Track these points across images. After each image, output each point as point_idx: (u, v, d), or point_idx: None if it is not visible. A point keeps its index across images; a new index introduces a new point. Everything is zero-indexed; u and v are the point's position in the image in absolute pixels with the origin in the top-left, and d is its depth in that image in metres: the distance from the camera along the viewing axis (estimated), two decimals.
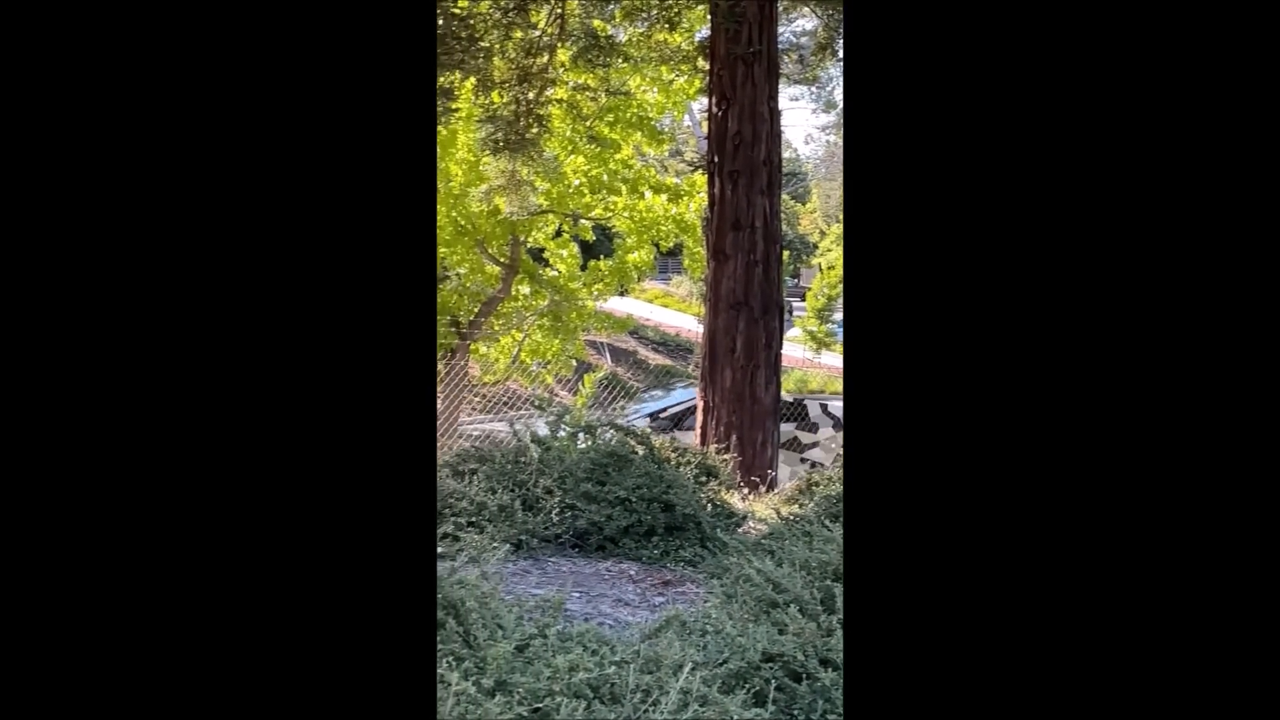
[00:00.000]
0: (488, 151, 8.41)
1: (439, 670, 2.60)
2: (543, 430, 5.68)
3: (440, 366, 10.33)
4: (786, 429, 9.89)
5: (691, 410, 10.78)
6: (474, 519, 4.82)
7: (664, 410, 10.47)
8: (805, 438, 10.50)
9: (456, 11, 6.97)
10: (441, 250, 10.08)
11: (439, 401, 10.10)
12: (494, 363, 11.22)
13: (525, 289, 10.78)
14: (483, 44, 7.21)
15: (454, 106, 8.30)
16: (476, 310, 10.41)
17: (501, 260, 10.22)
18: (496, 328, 10.82)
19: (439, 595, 2.98)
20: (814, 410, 10.54)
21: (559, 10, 7.49)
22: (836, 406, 10.35)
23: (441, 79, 7.34)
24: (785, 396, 9.26)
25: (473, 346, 10.58)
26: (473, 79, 7.74)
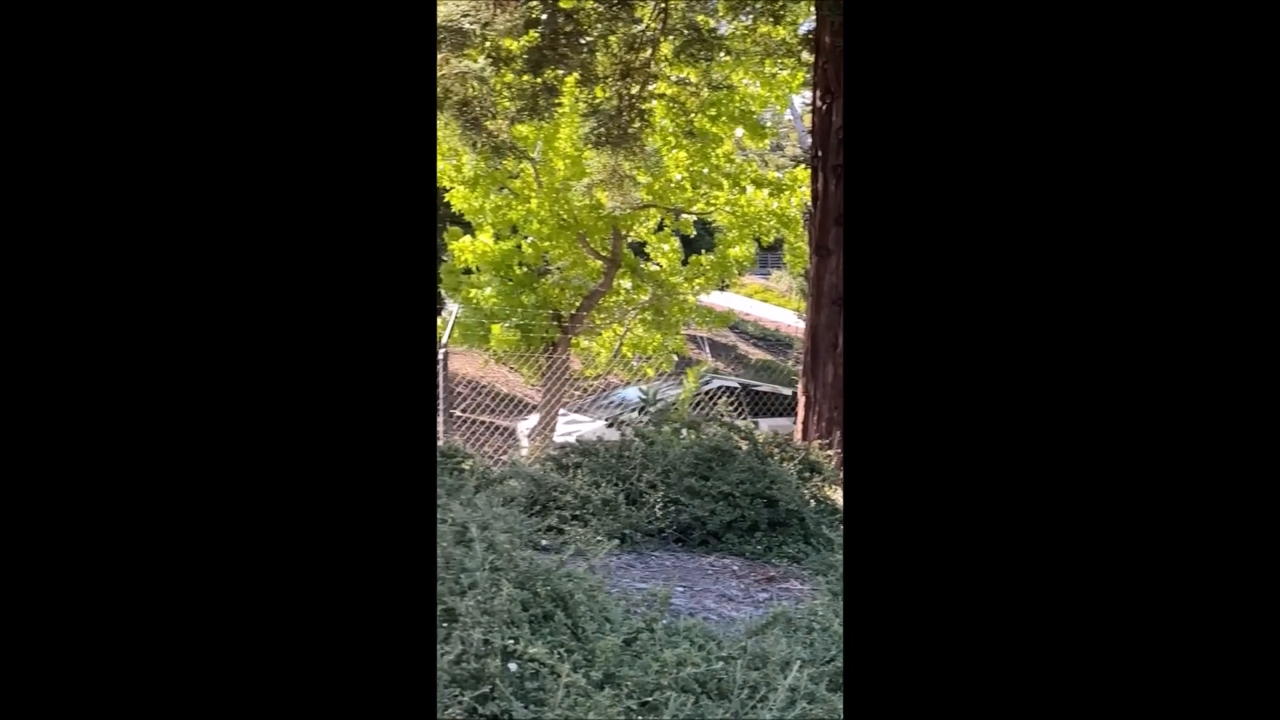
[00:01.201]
0: (590, 146, 8.46)
1: (549, 661, 2.63)
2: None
3: (542, 360, 10.42)
4: None
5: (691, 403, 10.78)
6: (578, 512, 4.86)
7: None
8: None
9: (563, 6, 7.01)
10: (544, 244, 10.17)
11: (542, 394, 10.19)
12: (595, 356, 11.28)
13: (627, 283, 10.81)
14: (586, 39, 7.25)
15: (557, 102, 8.36)
16: (578, 304, 10.47)
17: (603, 254, 10.27)
18: (598, 322, 10.88)
19: (548, 587, 3.02)
20: None
21: (663, 4, 7.49)
22: None
23: (546, 74, 7.40)
24: None
25: (574, 340, 10.65)
26: (576, 74, 7.78)
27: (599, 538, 4.12)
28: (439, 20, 6.65)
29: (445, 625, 2.78)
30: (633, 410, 9.74)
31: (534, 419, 10.91)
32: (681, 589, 3.98)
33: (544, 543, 4.23)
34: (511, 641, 2.70)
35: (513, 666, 2.66)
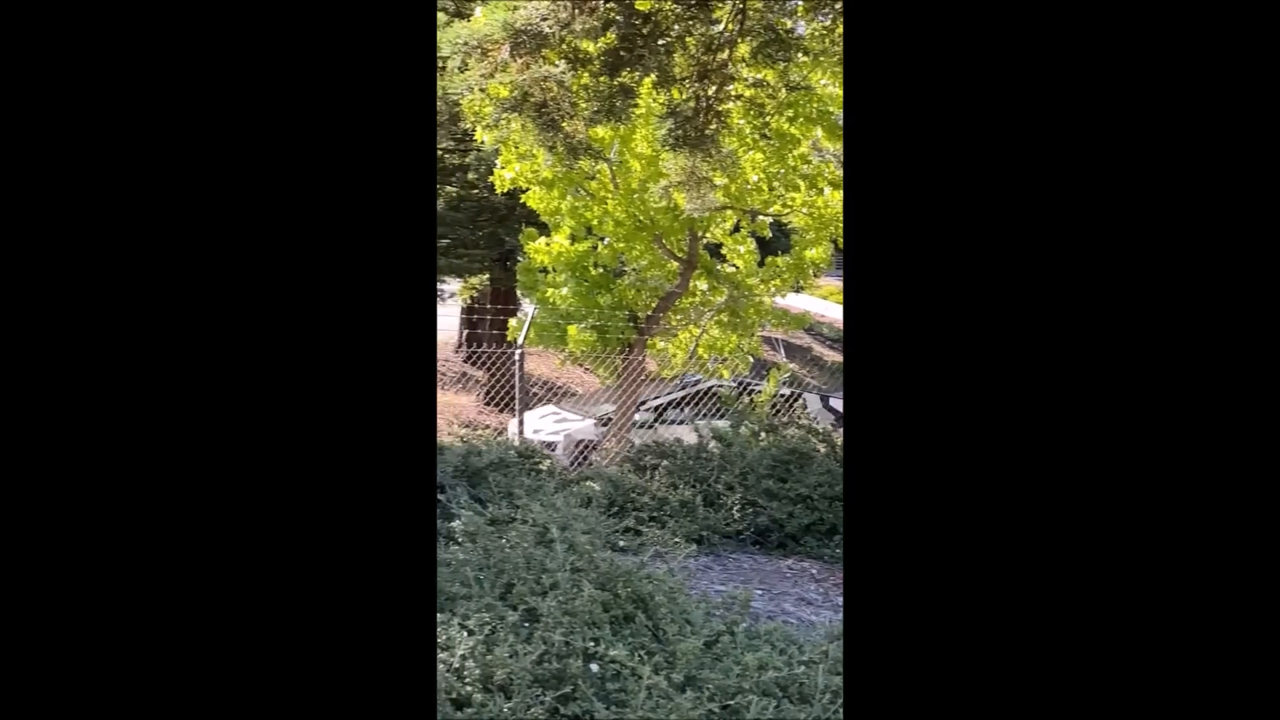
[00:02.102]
0: (667, 148, 8.43)
1: (630, 663, 2.63)
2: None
3: (618, 360, 10.43)
4: None
5: (676, 404, 10.70)
6: (655, 514, 4.87)
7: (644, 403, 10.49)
8: None
9: (640, 8, 7.01)
10: (619, 245, 10.17)
11: (618, 396, 10.21)
12: (671, 357, 11.26)
13: (703, 285, 10.78)
14: (663, 40, 7.23)
15: (634, 103, 8.36)
16: (654, 305, 10.46)
17: (679, 256, 10.25)
18: (674, 323, 10.86)
19: (629, 589, 3.02)
20: None
21: (741, 5, 7.46)
22: None
23: (623, 76, 7.40)
24: None
25: (650, 341, 10.65)
26: (652, 75, 7.77)
27: (677, 539, 4.12)
28: (517, 24, 6.69)
29: (527, 625, 2.80)
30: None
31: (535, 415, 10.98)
32: (760, 592, 3.97)
33: (621, 544, 4.24)
34: (593, 643, 2.71)
35: (594, 668, 2.68)
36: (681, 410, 10.62)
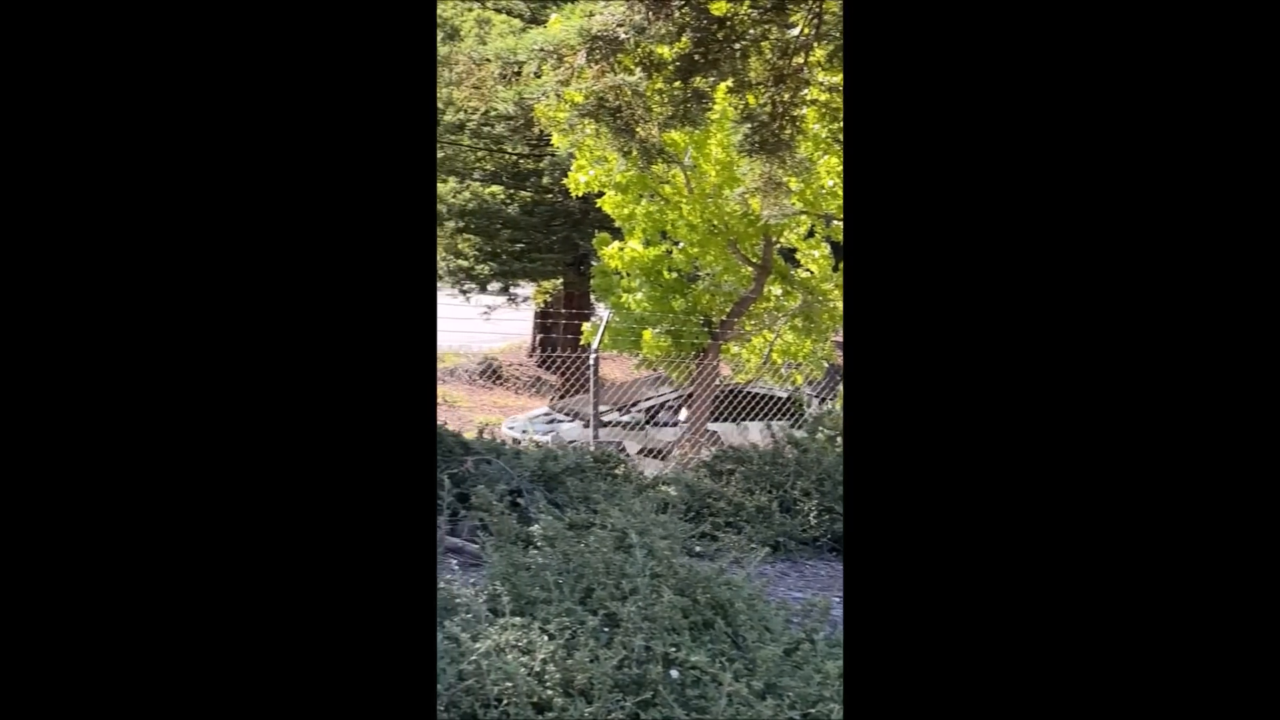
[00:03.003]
0: (743, 154, 8.42)
1: (711, 669, 2.63)
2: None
3: (692, 366, 10.43)
4: None
5: (662, 407, 10.59)
6: (731, 519, 4.86)
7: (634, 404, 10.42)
8: None
9: (715, 12, 7.01)
10: (694, 250, 10.17)
11: (690, 402, 10.21)
12: (745, 363, 11.25)
13: (777, 289, 10.75)
14: (738, 44, 7.22)
15: (708, 108, 8.35)
16: (729, 310, 10.45)
17: (754, 261, 10.23)
18: (748, 328, 10.84)
19: (708, 595, 3.02)
20: None
21: (817, 9, 7.43)
22: None
23: (697, 81, 7.40)
24: None
25: (724, 346, 10.64)
26: (728, 80, 7.76)
27: (753, 545, 4.11)
28: (593, 29, 6.72)
29: (607, 630, 2.81)
30: (616, 410, 9.68)
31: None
32: (838, 599, 3.94)
33: (698, 549, 4.24)
34: (673, 649, 2.71)
35: (674, 673, 2.68)
36: (672, 413, 10.60)
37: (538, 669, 2.58)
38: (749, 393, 11.08)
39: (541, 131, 8.83)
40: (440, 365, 17.37)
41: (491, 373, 17.06)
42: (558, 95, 7.22)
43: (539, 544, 3.42)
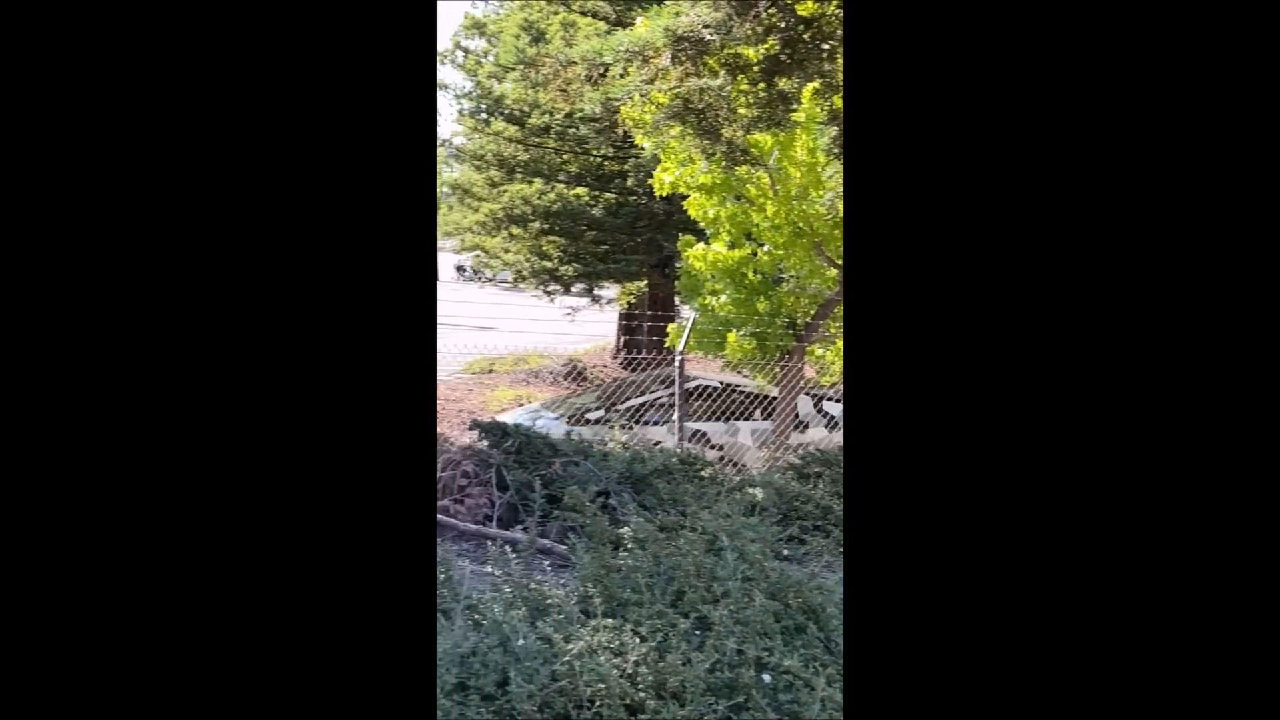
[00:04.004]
0: (831, 158, 8.38)
1: (804, 674, 2.62)
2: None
3: (776, 368, 10.38)
4: None
5: (651, 405, 10.40)
6: (819, 523, 4.83)
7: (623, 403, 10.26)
8: None
9: (801, 13, 6.98)
10: (779, 252, 10.12)
11: (777, 407, 10.17)
12: (830, 365, 11.17)
13: None
14: (825, 45, 7.18)
15: (793, 109, 8.31)
16: (813, 312, 10.38)
17: (839, 263, 10.16)
18: (833, 330, 10.76)
19: (799, 599, 3.01)
20: None
21: None
22: None
23: (783, 82, 7.37)
24: None
25: (809, 348, 10.58)
26: (815, 82, 7.72)
27: (841, 549, 4.08)
28: (679, 30, 6.73)
29: (699, 634, 2.81)
30: (597, 409, 9.57)
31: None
32: None
33: (785, 552, 4.22)
34: (765, 653, 2.71)
35: (766, 678, 2.67)
36: (663, 412, 10.49)
37: (630, 671, 2.59)
38: (829, 396, 10.99)
39: (626, 133, 8.85)
40: (525, 366, 17.50)
41: (576, 374, 17.14)
42: (643, 97, 7.24)
43: (629, 546, 3.44)
